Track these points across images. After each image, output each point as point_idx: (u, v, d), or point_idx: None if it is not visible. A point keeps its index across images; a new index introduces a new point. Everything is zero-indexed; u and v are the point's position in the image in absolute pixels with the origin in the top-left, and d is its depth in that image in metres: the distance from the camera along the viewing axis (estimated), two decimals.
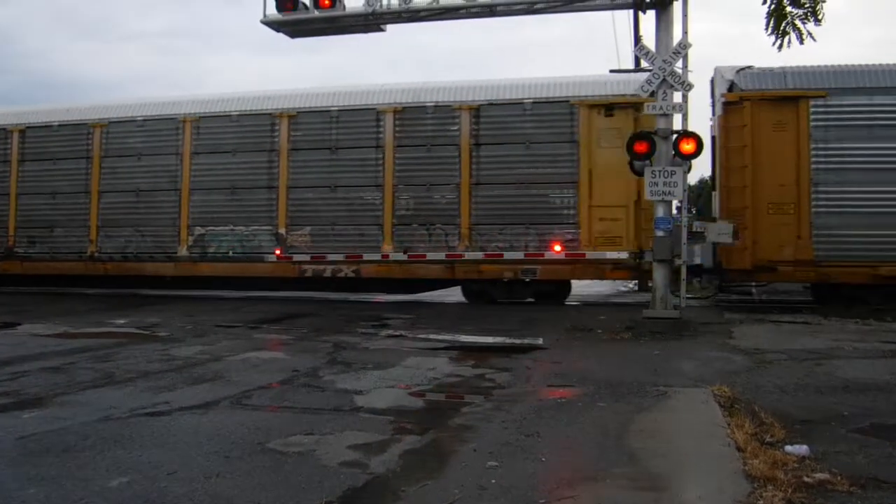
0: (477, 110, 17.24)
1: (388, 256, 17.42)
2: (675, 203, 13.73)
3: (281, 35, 16.09)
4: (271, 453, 5.22)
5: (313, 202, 18.11)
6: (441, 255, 17.15)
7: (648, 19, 15.13)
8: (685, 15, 13.15)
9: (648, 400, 6.91)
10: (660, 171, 12.93)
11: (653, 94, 13.10)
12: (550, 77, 17.49)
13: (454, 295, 18.30)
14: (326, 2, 15.06)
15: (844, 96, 15.40)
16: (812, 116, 15.38)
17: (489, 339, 11.59)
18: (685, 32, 13.10)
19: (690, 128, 13.28)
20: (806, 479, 4.58)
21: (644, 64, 14.67)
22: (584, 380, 7.94)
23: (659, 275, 13.20)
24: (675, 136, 13.03)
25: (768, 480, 4.50)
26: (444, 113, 17.44)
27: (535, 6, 14.80)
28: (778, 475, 4.58)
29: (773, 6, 6.15)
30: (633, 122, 16.11)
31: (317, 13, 15.26)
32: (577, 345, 10.92)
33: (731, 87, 16.17)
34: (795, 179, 15.39)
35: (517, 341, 11.22)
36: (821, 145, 15.32)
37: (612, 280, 18.32)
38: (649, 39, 14.65)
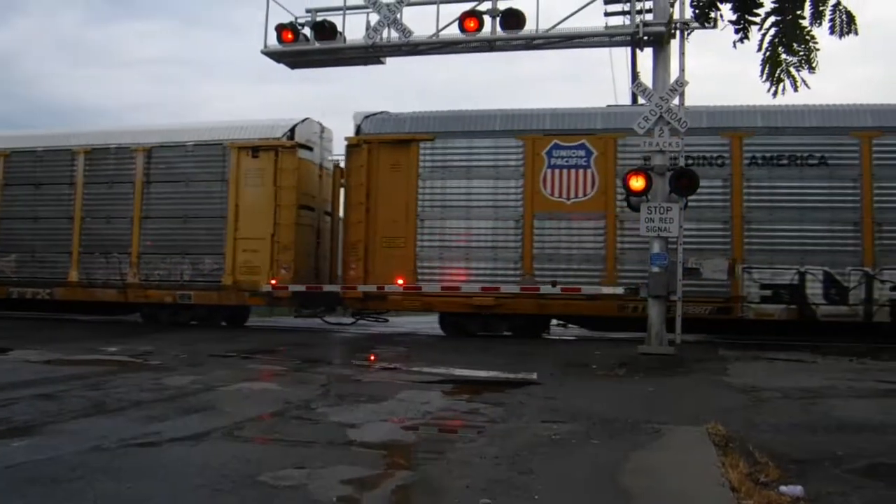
0: (149, 152, 19.06)
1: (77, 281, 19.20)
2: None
3: (282, 66, 16.21)
4: (262, 486, 5.17)
5: (20, 232, 19.93)
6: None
7: (646, 56, 15.30)
8: (682, 53, 13.31)
9: (643, 437, 6.87)
10: (656, 208, 13.00)
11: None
12: (210, 122, 19.87)
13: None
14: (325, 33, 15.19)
15: (448, 139, 17.06)
16: (421, 158, 17.10)
17: (483, 373, 11.54)
18: (682, 70, 13.24)
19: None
20: None
21: (641, 101, 14.78)
22: (578, 416, 7.89)
23: (654, 311, 13.20)
24: (671, 172, 13.10)
25: None
26: (124, 154, 19.31)
27: (534, 42, 14.95)
28: None
29: (768, 53, 6.21)
30: (274, 163, 18.04)
31: (317, 45, 15.39)
32: (572, 380, 10.87)
33: (359, 130, 17.65)
34: (406, 216, 17.05)
35: (511, 376, 11.16)
36: (427, 184, 17.08)
37: (253, 305, 19.47)
38: (646, 75, 14.81)
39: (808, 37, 6.17)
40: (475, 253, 16.79)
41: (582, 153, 16.33)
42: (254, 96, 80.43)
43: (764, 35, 6.22)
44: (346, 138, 17.79)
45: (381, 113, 17.98)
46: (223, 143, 18.42)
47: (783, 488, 5.19)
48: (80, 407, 8.00)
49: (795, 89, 6.51)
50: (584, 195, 16.30)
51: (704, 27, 11.09)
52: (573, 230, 16.38)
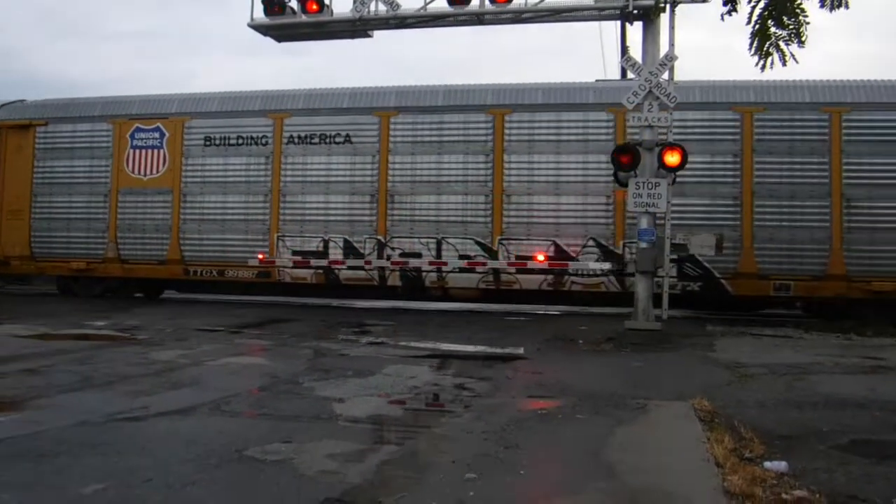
0: None
1: None
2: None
3: (268, 39, 16.03)
4: (249, 461, 5.18)
5: None
6: None
7: (635, 30, 15.16)
8: (672, 27, 13.17)
9: (628, 413, 6.91)
10: (644, 183, 12.95)
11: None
12: None
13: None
14: (314, 6, 15.03)
15: (58, 124, 19.29)
16: (36, 141, 19.37)
17: (470, 348, 11.55)
18: (672, 45, 13.14)
19: None
20: (784, 496, 4.58)
21: (630, 75, 14.69)
22: (564, 391, 7.93)
23: (641, 286, 13.21)
24: (659, 147, 13.05)
25: (747, 497, 4.50)
26: None
27: (523, 15, 14.79)
28: (756, 492, 4.58)
29: (757, 26, 6.18)
30: None
31: (304, 18, 15.19)
32: (558, 355, 10.91)
33: None
34: (25, 192, 19.32)
35: (498, 350, 11.19)
36: (41, 164, 19.29)
37: None
38: (636, 50, 14.72)
39: (798, 10, 6.15)
40: (74, 224, 18.96)
41: (157, 135, 18.67)
42: (240, 70, 79.36)
43: (754, 7, 6.19)
44: None
45: (17, 101, 20.16)
46: None
47: (768, 464, 5.23)
48: (68, 381, 7.98)
49: (784, 63, 6.49)
50: (158, 172, 18.61)
51: (694, 0, 10.98)
52: (147, 203, 18.60)
